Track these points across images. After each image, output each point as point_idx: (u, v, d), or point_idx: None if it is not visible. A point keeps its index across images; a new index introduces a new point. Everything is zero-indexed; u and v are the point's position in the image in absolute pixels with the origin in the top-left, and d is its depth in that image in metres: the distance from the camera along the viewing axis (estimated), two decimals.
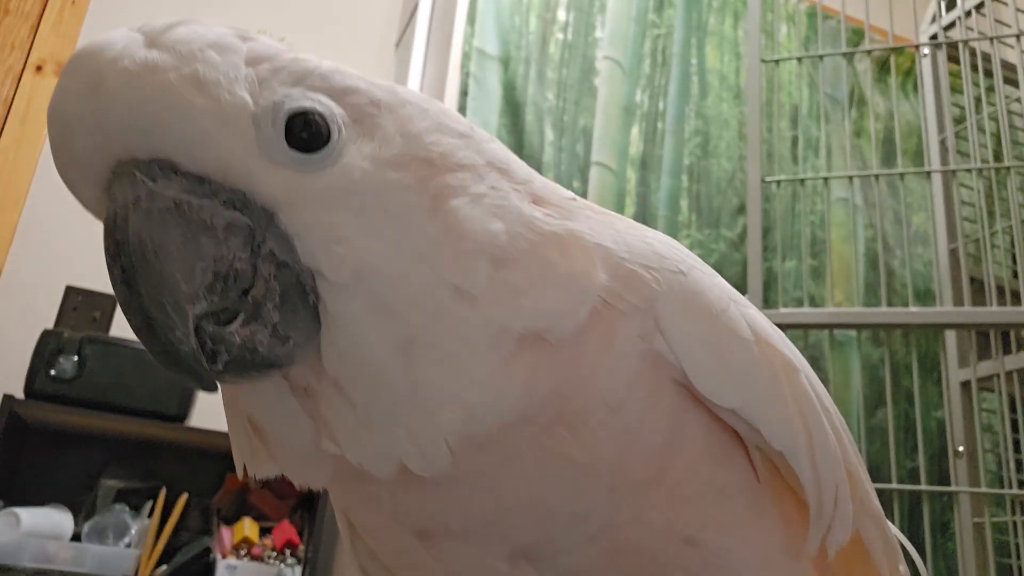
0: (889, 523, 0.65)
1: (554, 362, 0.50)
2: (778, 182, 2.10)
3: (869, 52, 2.26)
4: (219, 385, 0.50)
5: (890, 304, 2.47)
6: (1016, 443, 2.18)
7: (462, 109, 2.43)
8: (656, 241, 0.58)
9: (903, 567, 0.65)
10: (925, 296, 2.73)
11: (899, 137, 2.22)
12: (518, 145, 2.46)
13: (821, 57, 2.24)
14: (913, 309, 1.99)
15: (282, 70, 0.50)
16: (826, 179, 2.13)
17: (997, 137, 2.18)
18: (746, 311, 0.57)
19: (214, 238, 0.46)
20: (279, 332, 0.47)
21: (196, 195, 0.47)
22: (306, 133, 0.48)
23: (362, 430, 0.48)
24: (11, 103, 2.68)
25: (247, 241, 0.47)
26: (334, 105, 0.50)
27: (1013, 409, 2.10)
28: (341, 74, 0.52)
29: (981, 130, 2.26)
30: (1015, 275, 2.33)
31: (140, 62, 0.46)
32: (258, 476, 0.53)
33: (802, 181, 2.21)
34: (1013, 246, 2.12)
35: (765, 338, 0.57)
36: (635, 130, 2.68)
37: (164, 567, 2.21)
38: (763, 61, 2.11)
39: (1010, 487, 1.90)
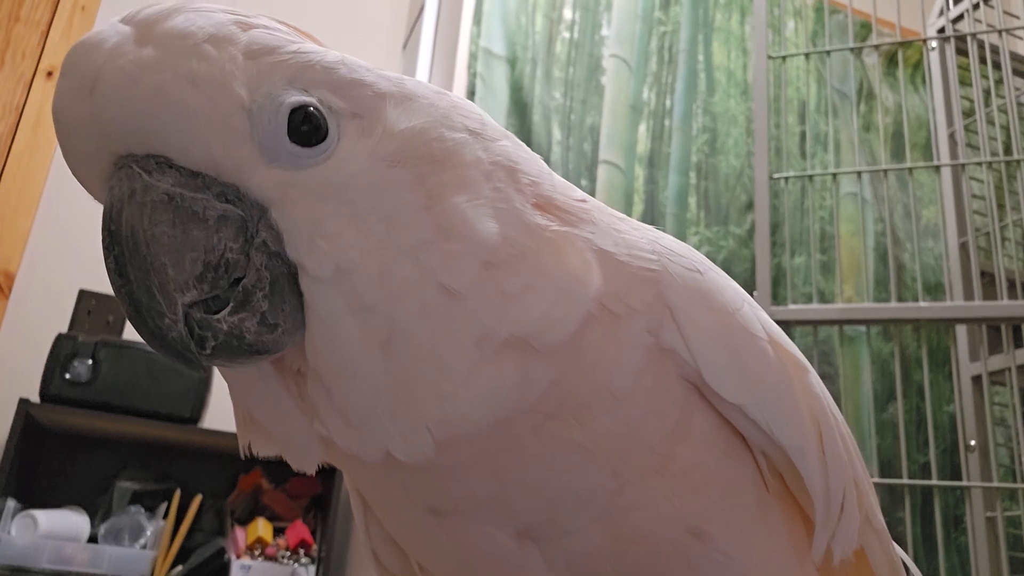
0: (894, 543, 0.65)
1: (550, 361, 0.50)
2: (786, 178, 2.10)
3: (877, 47, 2.25)
4: (211, 368, 0.51)
5: (900, 299, 2.46)
6: None
7: None
8: (673, 242, 0.58)
9: None
10: (935, 290, 2.72)
11: (908, 131, 2.21)
12: (526, 145, 2.46)
13: (828, 52, 2.23)
14: (923, 304, 1.99)
15: (283, 63, 0.50)
16: (835, 175, 2.12)
17: (1007, 130, 2.17)
18: (758, 312, 0.58)
19: (206, 229, 0.48)
20: (267, 320, 0.49)
21: (189, 188, 0.48)
22: (306, 126, 0.49)
23: (343, 418, 0.49)
24: (23, 110, 2.70)
25: (240, 232, 0.49)
26: (335, 99, 0.50)
27: None
28: (346, 67, 0.52)
29: (990, 123, 2.25)
30: None
31: (134, 61, 0.47)
32: (260, 455, 0.54)
33: (810, 177, 2.21)
34: None
35: (777, 339, 0.57)
36: (642, 128, 2.68)
37: (179, 568, 2.23)
38: (770, 57, 2.11)
39: (1023, 481, 1.89)
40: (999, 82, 2.21)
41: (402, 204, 0.49)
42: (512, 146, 0.56)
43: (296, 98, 0.49)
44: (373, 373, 0.48)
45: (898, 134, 2.92)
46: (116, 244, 0.48)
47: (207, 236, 0.48)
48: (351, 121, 0.51)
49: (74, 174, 0.52)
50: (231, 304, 0.48)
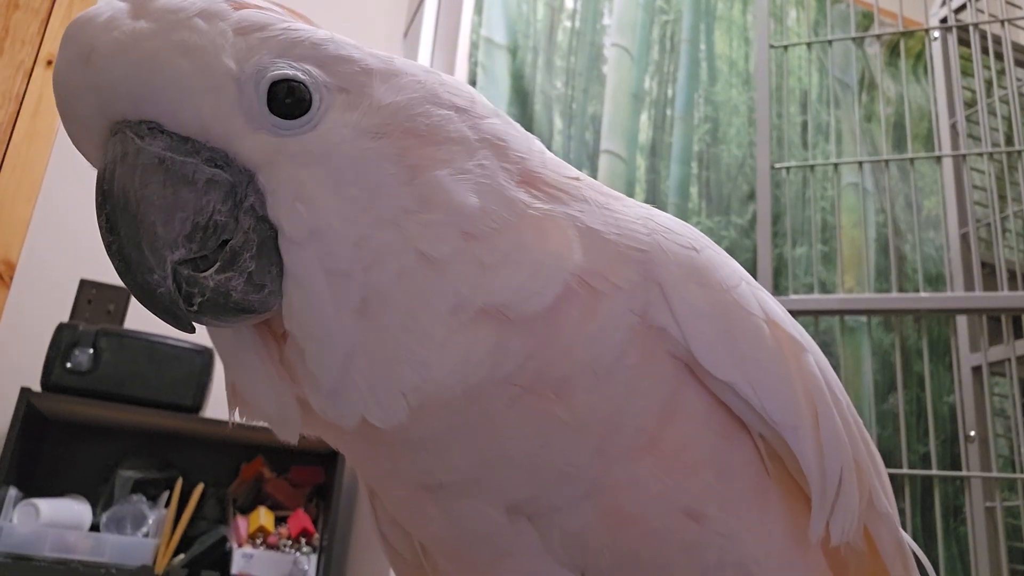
0: (903, 532, 0.65)
1: (525, 332, 0.51)
2: (788, 168, 2.10)
3: (879, 36, 2.24)
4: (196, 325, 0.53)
5: (901, 289, 2.46)
6: None
7: None
8: (669, 220, 0.58)
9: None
10: (936, 281, 2.72)
11: (909, 122, 2.20)
12: None
13: (830, 42, 2.22)
14: (924, 295, 1.99)
15: (272, 39, 0.51)
16: (836, 165, 2.12)
17: (1009, 120, 2.17)
18: (757, 292, 0.58)
19: (195, 192, 0.50)
20: (254, 280, 0.50)
21: (179, 152, 0.50)
22: (289, 99, 0.51)
23: (320, 382, 0.50)
24: (23, 98, 2.70)
25: (228, 196, 0.50)
26: (320, 74, 0.52)
27: None
28: (334, 43, 0.53)
29: (992, 113, 2.24)
30: None
31: (128, 32, 0.49)
32: (248, 422, 0.55)
33: (812, 167, 2.21)
34: None
35: (774, 318, 0.57)
36: (644, 117, 2.68)
37: (181, 556, 2.23)
38: (772, 47, 2.10)
39: (1022, 471, 1.90)
40: (1001, 72, 2.20)
41: (384, 175, 0.51)
42: (501, 123, 0.57)
43: (279, 71, 0.51)
44: (347, 337, 0.49)
45: (899, 124, 2.92)
46: (108, 203, 0.50)
47: (196, 198, 0.50)
48: (338, 95, 0.52)
49: (73, 141, 0.53)
50: (218, 263, 0.50)
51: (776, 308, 0.59)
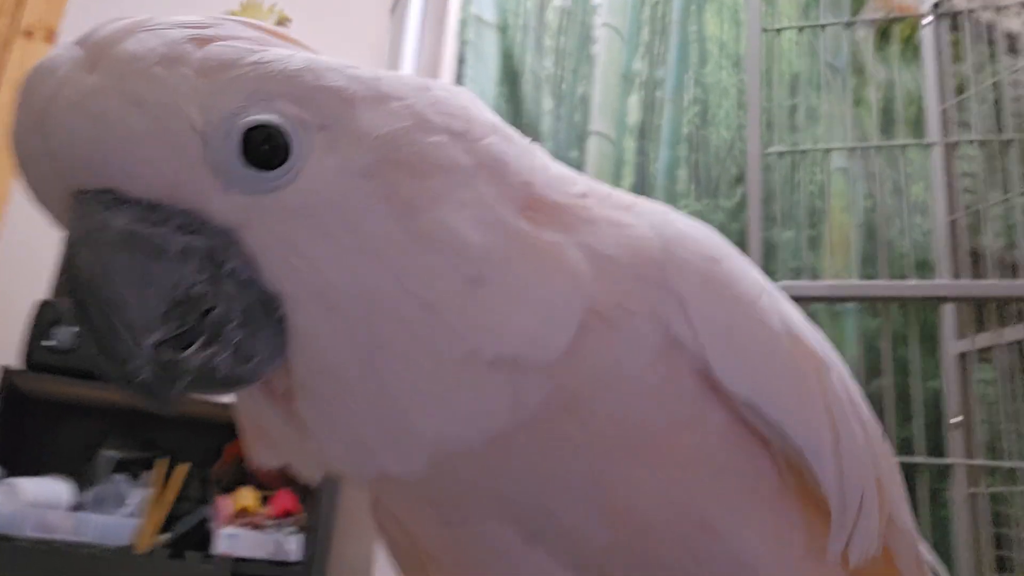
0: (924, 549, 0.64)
1: (542, 376, 0.49)
2: (780, 154, 2.09)
3: (874, 22, 2.22)
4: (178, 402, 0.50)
5: (889, 274, 2.47)
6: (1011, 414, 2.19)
7: (460, 77, 2.40)
8: (688, 226, 0.56)
9: None
10: (923, 267, 2.73)
11: (902, 106, 2.19)
12: (516, 114, 2.43)
13: (824, 27, 2.20)
14: (911, 282, 1.99)
15: (240, 78, 0.46)
16: (827, 150, 2.11)
17: (996, 106, 2.16)
18: (780, 304, 0.56)
19: (168, 265, 0.46)
20: (241, 351, 0.47)
21: (147, 223, 0.46)
22: (266, 146, 0.46)
23: (335, 436, 0.48)
24: (3, 70, 2.64)
25: (206, 263, 0.46)
26: (298, 111, 0.47)
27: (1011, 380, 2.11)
28: (312, 72, 0.48)
29: (982, 100, 2.24)
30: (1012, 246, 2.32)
31: (81, 91, 0.45)
32: (265, 465, 0.53)
33: (803, 152, 2.19)
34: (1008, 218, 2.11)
35: (796, 333, 0.55)
36: (634, 99, 2.65)
37: (164, 536, 2.22)
38: (764, 30, 2.08)
39: (1009, 458, 1.91)
40: (993, 59, 2.19)
41: (378, 219, 0.47)
42: (500, 142, 0.53)
43: (251, 117, 0.46)
44: (361, 393, 0.47)
45: (887, 109, 2.91)
46: (76, 289, 0.46)
47: (170, 271, 0.46)
48: (318, 134, 0.48)
49: (37, 205, 0.50)
50: (202, 339, 0.46)
51: (798, 320, 0.57)
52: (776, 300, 0.56)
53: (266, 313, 0.47)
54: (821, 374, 0.55)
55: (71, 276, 0.46)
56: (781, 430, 0.52)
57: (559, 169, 0.57)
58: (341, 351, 0.46)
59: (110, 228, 0.45)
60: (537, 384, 0.49)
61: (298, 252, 0.46)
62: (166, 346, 0.46)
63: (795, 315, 0.57)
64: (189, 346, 0.46)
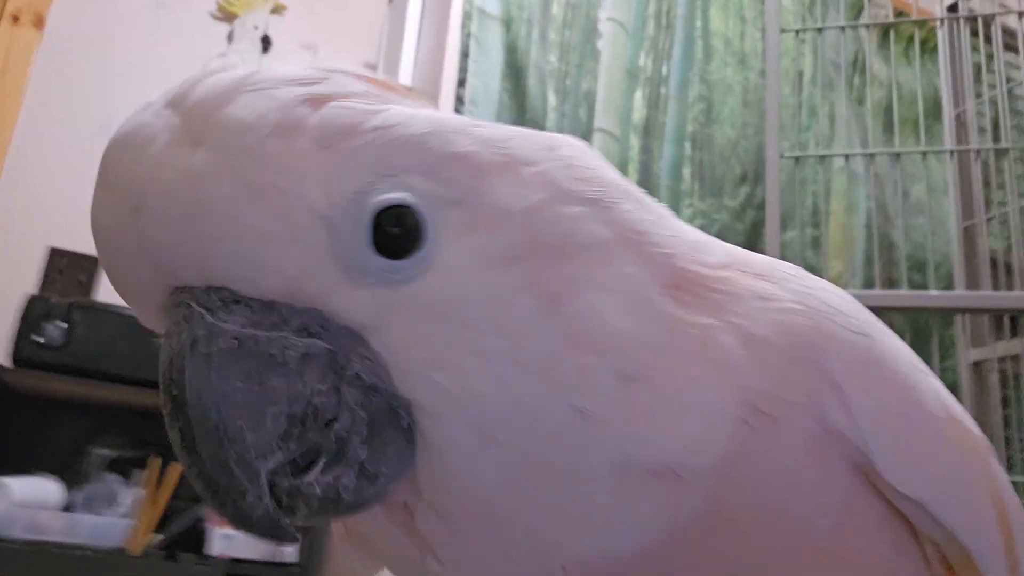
0: None
1: (701, 485, 0.44)
2: (796, 158, 2.05)
3: (892, 24, 2.19)
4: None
5: (889, 277, 2.45)
6: (1006, 421, 2.18)
7: (463, 71, 2.35)
8: (833, 296, 0.50)
9: None
10: (923, 268, 2.72)
11: (921, 111, 2.16)
12: (520, 110, 2.39)
13: (843, 28, 2.17)
14: (913, 292, 1.97)
15: (364, 148, 0.41)
16: (847, 156, 2.09)
17: (1015, 112, 2.14)
18: (933, 382, 0.51)
19: (286, 375, 0.39)
20: (367, 470, 0.41)
21: (263, 327, 0.40)
22: (397, 229, 0.40)
23: (466, 555, 0.43)
24: None
25: (328, 369, 0.40)
26: (429, 186, 0.41)
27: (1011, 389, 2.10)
28: (438, 136, 0.42)
29: (994, 103, 2.22)
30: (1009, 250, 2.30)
31: (185, 174, 0.39)
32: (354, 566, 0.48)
33: (821, 158, 2.17)
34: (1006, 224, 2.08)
35: (952, 414, 0.51)
36: (638, 95, 2.62)
37: (158, 537, 2.18)
38: (783, 31, 2.05)
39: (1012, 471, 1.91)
40: (1010, 65, 2.17)
41: (522, 314, 0.41)
42: (635, 209, 0.46)
43: (383, 196, 0.40)
44: (501, 509, 0.42)
45: (891, 109, 2.89)
46: (180, 414, 0.39)
47: (289, 383, 0.39)
48: (451, 211, 0.41)
49: (123, 300, 0.44)
50: (324, 459, 0.40)
51: (951, 400, 0.52)
52: (930, 377, 0.51)
53: (391, 423, 0.41)
54: (985, 460, 0.51)
55: (171, 394, 0.40)
56: (952, 529, 0.48)
57: (694, 234, 0.51)
58: (485, 471, 0.41)
59: (221, 334, 0.39)
60: (694, 493, 0.44)
61: (437, 356, 0.40)
62: (284, 470, 0.40)
63: (945, 392, 0.52)
64: (308, 468, 0.40)
